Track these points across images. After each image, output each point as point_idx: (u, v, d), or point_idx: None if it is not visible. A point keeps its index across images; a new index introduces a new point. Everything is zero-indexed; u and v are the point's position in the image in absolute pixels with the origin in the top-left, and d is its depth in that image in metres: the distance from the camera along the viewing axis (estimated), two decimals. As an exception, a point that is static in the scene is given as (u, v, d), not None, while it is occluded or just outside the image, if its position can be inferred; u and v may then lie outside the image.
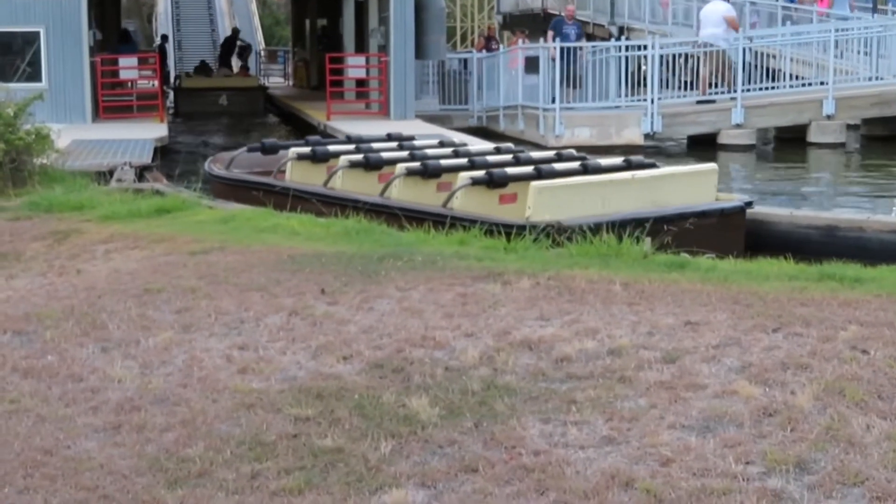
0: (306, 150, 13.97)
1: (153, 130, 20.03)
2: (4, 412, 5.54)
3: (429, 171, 12.02)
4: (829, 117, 21.95)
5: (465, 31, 41.04)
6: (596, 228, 9.26)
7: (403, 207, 11.44)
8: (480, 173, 11.50)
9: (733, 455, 4.74)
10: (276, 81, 41.21)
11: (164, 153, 18.81)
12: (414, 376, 5.80)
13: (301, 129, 22.98)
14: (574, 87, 22.23)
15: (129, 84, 24.85)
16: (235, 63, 38.58)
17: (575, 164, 12.09)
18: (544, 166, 11.77)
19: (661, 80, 22.07)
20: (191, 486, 4.66)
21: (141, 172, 15.04)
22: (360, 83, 25.17)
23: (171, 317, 6.99)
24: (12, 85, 16.83)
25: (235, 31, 40.70)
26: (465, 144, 14.89)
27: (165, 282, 7.80)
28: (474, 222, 10.23)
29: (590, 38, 28.61)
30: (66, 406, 5.61)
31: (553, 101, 21.62)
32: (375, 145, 14.31)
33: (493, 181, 11.33)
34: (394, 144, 14.45)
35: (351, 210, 11.24)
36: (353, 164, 12.90)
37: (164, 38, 40.75)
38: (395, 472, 4.72)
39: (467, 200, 11.21)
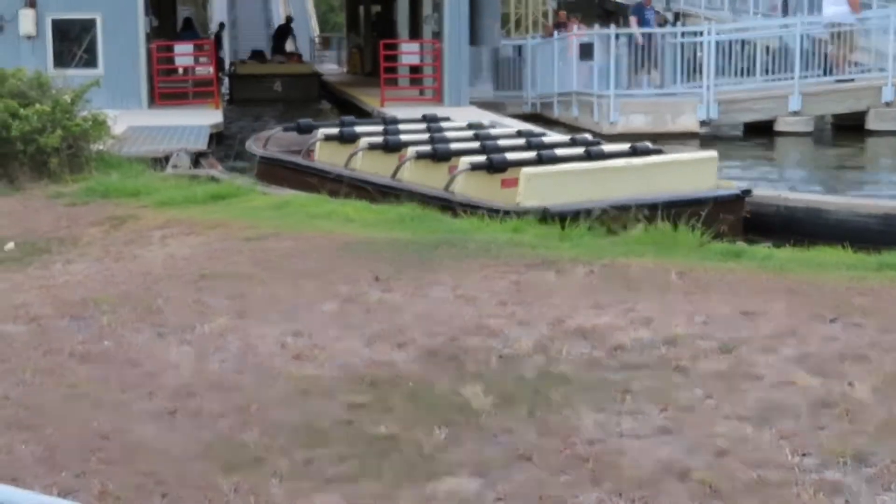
0: (334, 131, 14.34)
1: (209, 117, 20.12)
2: (62, 397, 5.59)
3: (438, 155, 12.38)
4: (888, 104, 21.63)
5: (519, 17, 40.84)
6: (584, 214, 9.64)
7: (408, 190, 11.79)
8: (480, 158, 11.80)
9: (790, 447, 4.70)
10: (330, 68, 41.25)
11: (220, 139, 18.90)
12: (468, 364, 5.79)
13: (355, 114, 22.96)
14: (650, 71, 22.20)
15: (185, 70, 24.97)
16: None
17: (579, 150, 12.31)
18: (545, 152, 12.03)
19: (718, 67, 21.87)
20: (245, 472, 4.68)
21: (196, 158, 15.12)
22: (415, 70, 25.13)
23: (226, 303, 7.03)
24: (69, 71, 16.96)
25: (289, 19, 40.78)
26: (493, 126, 15.14)
27: (221, 268, 7.84)
28: (467, 206, 10.63)
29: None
30: (122, 391, 5.65)
31: (608, 87, 21.50)
32: (402, 127, 14.61)
33: (493, 166, 11.61)
34: (422, 126, 14.79)
35: (366, 191, 11.67)
36: (373, 147, 13.30)
37: (222, 25, 40.94)
38: (448, 461, 4.72)
39: (469, 185, 11.50)
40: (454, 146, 12.73)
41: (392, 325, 6.47)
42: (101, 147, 13.58)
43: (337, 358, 6.01)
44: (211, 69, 24.72)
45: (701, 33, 22.55)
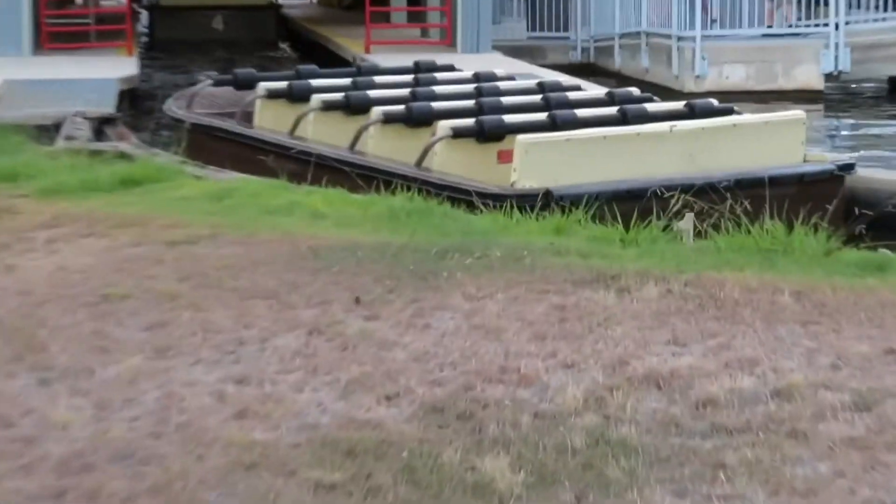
0: (280, 85, 14.53)
1: (118, 67, 20.19)
2: None
3: (414, 118, 12.48)
4: None
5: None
6: (602, 198, 9.81)
7: (368, 166, 11.96)
8: (467, 122, 11.89)
9: (958, 547, 4.66)
10: (294, -3, 41.41)
11: (134, 99, 18.93)
12: (489, 426, 5.75)
13: (329, 65, 23.00)
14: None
15: (86, 1, 25.05)
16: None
17: (611, 111, 12.35)
18: (562, 112, 12.03)
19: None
20: (164, 582, 4.64)
21: (100, 127, 15.13)
22: (414, 1, 25.18)
23: (139, 335, 7.00)
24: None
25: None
26: (510, 79, 15.16)
27: (133, 285, 7.82)
28: (440, 188, 10.75)
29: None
30: (-13, 463, 5.61)
31: (693, 25, 21.49)
32: (379, 80, 14.73)
33: (484, 133, 11.67)
34: (408, 78, 15.03)
35: (316, 168, 11.78)
36: (328, 107, 13.50)
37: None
38: (460, 567, 4.69)
39: (451, 158, 11.63)
40: (438, 105, 12.76)
41: (379, 367, 6.44)
42: (-37, 111, 13.62)
43: (298, 416, 5.97)
44: (123, -1, 24.80)
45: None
